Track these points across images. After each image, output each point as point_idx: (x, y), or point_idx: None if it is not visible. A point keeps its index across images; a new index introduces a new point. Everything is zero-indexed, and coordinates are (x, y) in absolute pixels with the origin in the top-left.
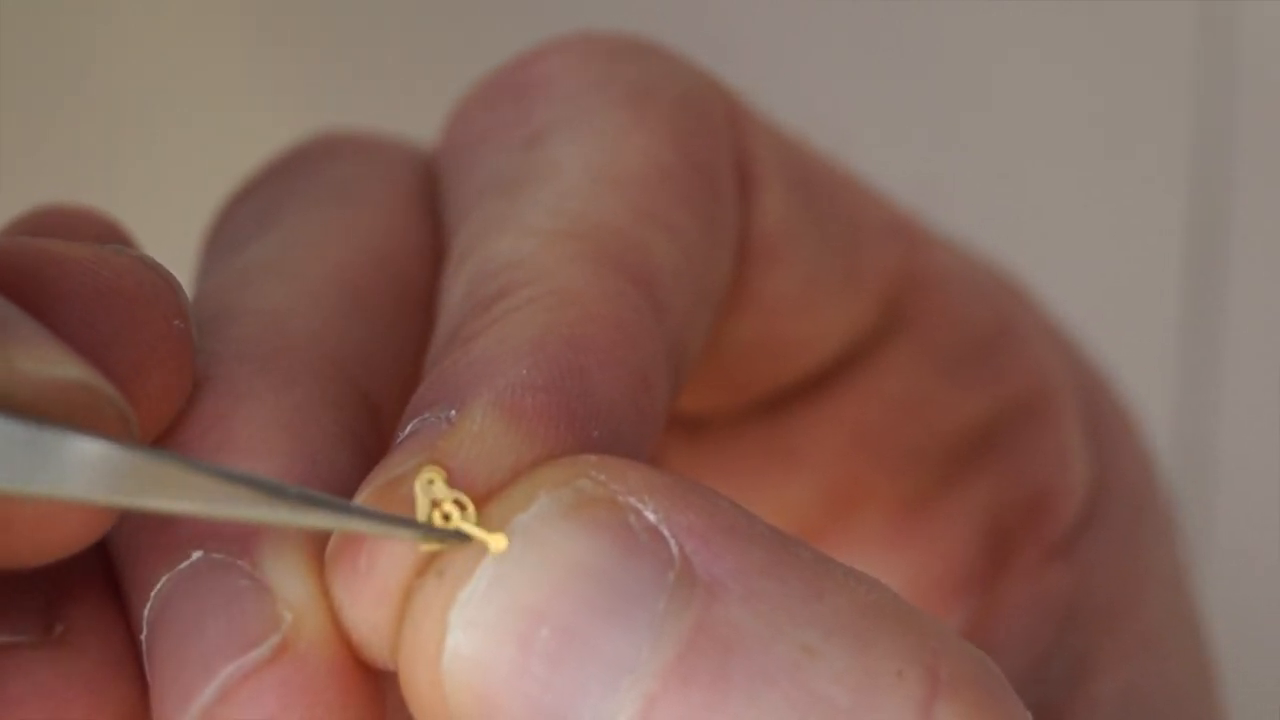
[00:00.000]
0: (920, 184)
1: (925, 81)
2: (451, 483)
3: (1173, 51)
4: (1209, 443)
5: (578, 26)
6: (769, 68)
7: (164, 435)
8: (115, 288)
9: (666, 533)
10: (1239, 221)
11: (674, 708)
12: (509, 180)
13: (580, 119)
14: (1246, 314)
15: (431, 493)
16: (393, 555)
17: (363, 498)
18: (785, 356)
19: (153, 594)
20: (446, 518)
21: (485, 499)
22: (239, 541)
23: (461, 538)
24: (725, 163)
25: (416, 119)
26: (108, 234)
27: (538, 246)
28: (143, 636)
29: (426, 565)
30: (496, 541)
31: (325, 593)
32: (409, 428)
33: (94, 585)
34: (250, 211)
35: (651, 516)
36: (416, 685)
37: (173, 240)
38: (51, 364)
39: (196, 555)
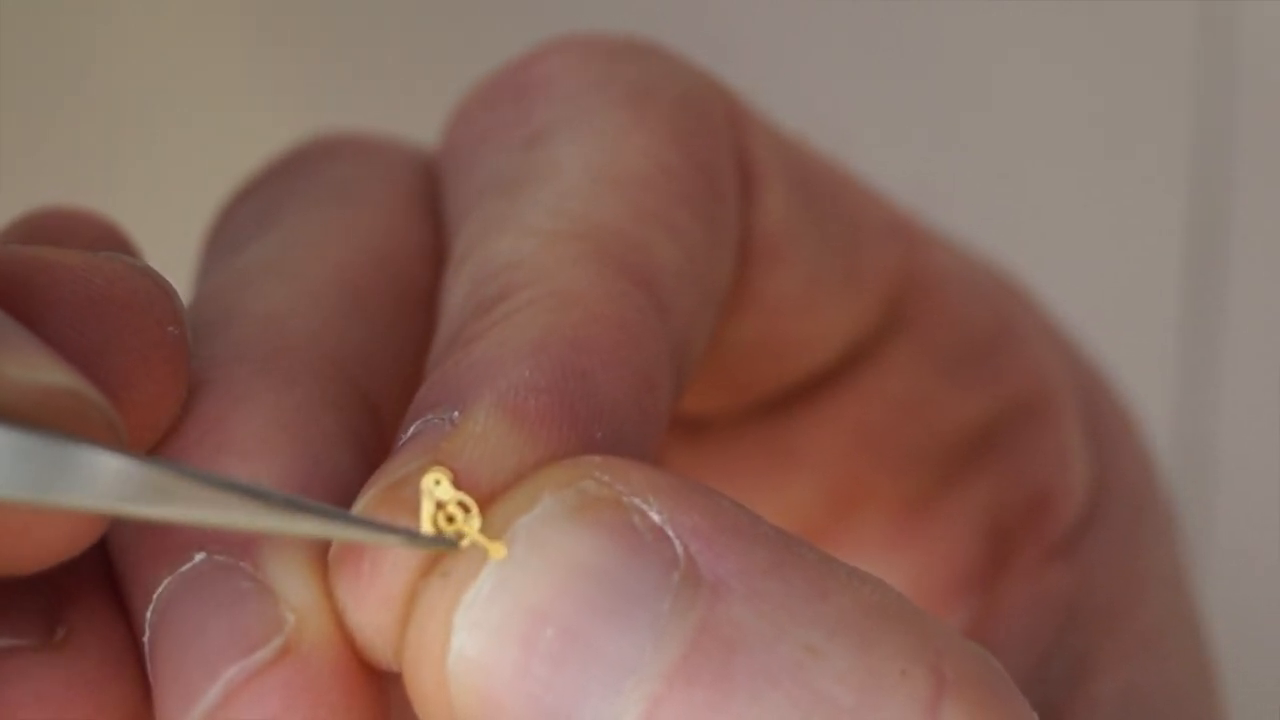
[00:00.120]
0: (920, 184)
1: (925, 81)
2: (455, 484)
3: (1173, 51)
4: (1209, 443)
5: (578, 27)
6: (769, 68)
7: (163, 437)
8: (107, 295)
9: (671, 533)
10: (1239, 221)
11: (678, 708)
12: (509, 180)
13: (580, 119)
14: (1246, 314)
15: (436, 494)
16: (396, 557)
17: (366, 499)
18: (787, 357)
19: (155, 596)
20: (450, 520)
21: (489, 500)
22: (241, 543)
23: (451, 544)
24: (726, 163)
25: (416, 119)
26: (106, 236)
27: (538, 247)
28: (145, 639)
29: (431, 567)
30: (495, 550)
31: (328, 594)
32: (411, 429)
33: (96, 588)
34: (250, 212)
35: (656, 517)
36: (421, 687)
37: (172, 241)
38: (38, 371)
39: (199, 557)
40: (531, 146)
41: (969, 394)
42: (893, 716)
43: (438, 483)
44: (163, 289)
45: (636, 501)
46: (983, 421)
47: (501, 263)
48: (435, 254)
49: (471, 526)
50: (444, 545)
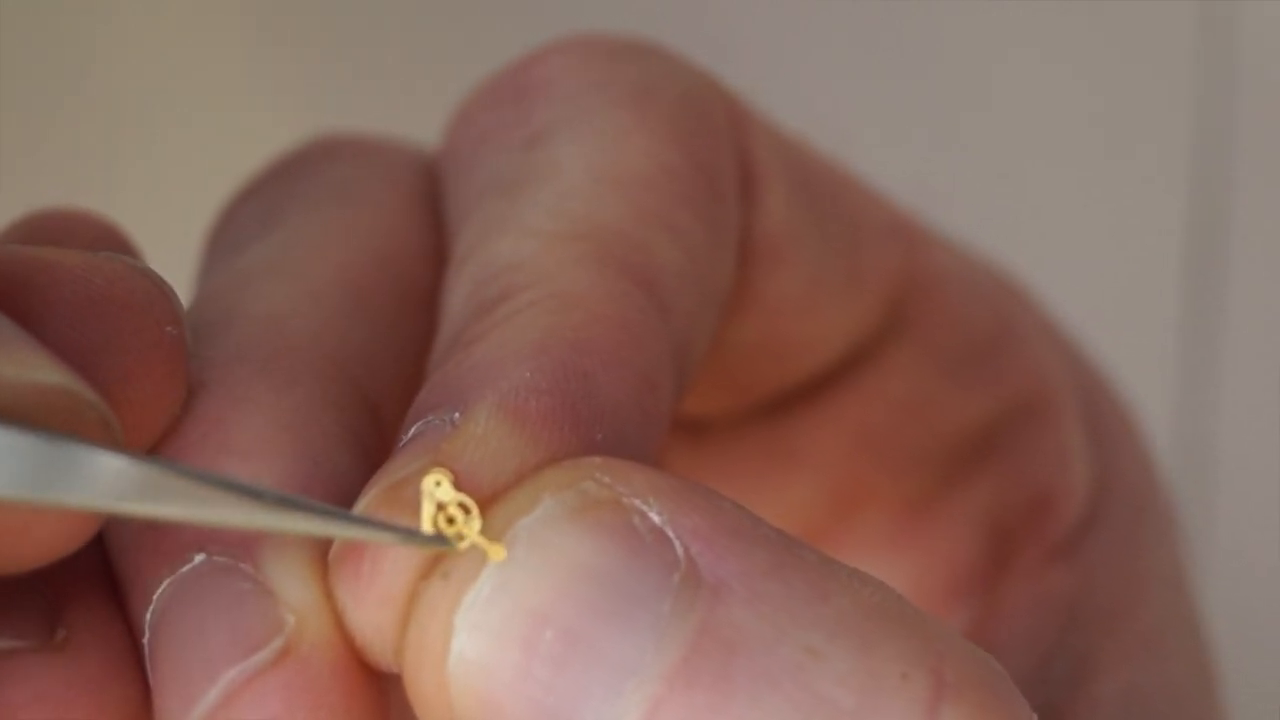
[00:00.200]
0: (920, 184)
1: (925, 81)
2: (456, 486)
3: (1173, 51)
4: (1209, 443)
5: (578, 27)
6: (769, 68)
7: (164, 438)
8: (106, 295)
9: (671, 535)
10: (1239, 221)
11: (678, 710)
12: (510, 181)
13: (581, 119)
14: (1246, 314)
15: (437, 496)
16: (397, 558)
17: (367, 500)
18: (788, 358)
19: (155, 597)
20: (451, 521)
21: (489, 502)
22: (241, 544)
23: (449, 542)
24: (727, 163)
25: (417, 120)
26: (106, 237)
27: (539, 248)
28: (145, 640)
29: (431, 568)
30: (496, 552)
31: (328, 595)
32: (412, 431)
33: (95, 589)
34: (251, 213)
35: (656, 519)
36: (421, 688)
37: (172, 241)
38: (32, 369)
39: (199, 558)
40: (532, 147)
41: (970, 394)
42: (893, 719)
43: (438, 484)
44: (162, 289)
45: (637, 503)
46: (984, 422)
47: (502, 264)
48: (436, 255)
49: (472, 528)
50: (442, 543)
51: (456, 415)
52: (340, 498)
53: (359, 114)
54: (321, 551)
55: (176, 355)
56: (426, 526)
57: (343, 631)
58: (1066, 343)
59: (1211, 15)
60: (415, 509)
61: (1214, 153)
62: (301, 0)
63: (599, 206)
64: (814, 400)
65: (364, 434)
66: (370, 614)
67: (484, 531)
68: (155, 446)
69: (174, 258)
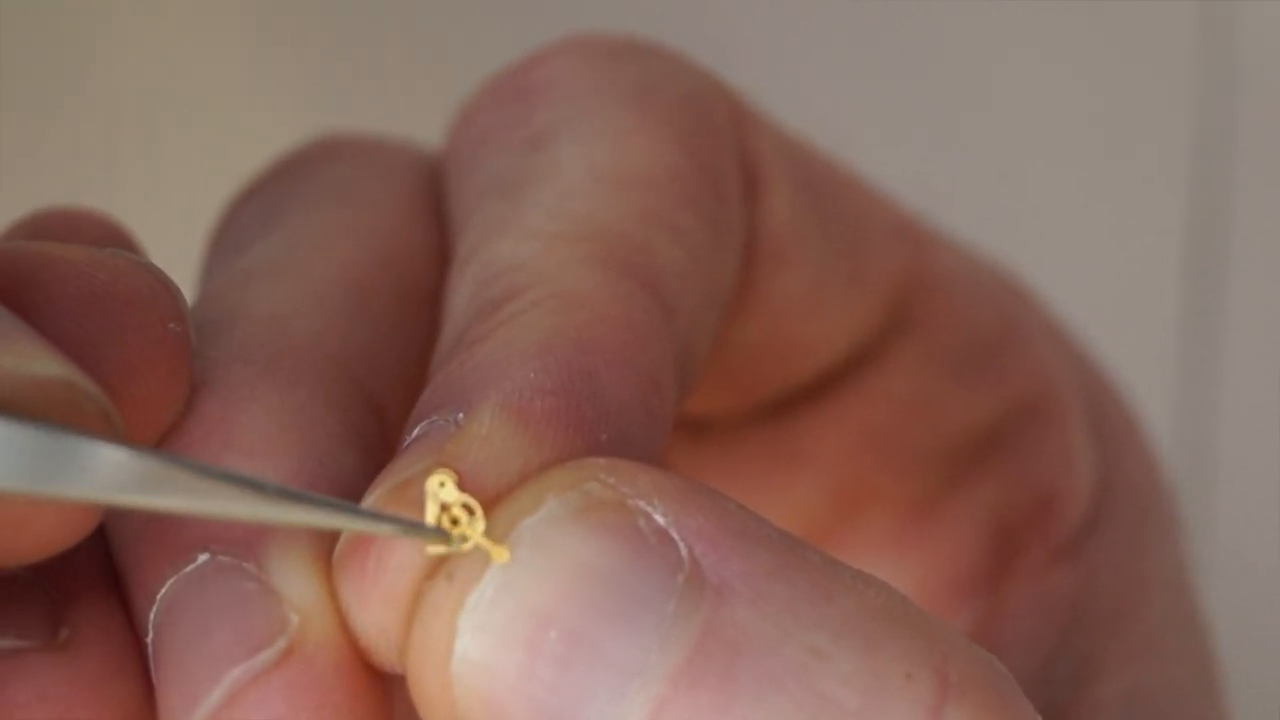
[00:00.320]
0: (920, 184)
1: (925, 81)
2: (460, 486)
3: (1173, 51)
4: (1209, 443)
5: (578, 27)
6: (769, 68)
7: (167, 437)
8: (109, 290)
9: (675, 535)
10: (1239, 221)
11: (682, 711)
12: (512, 182)
13: (583, 120)
14: (1246, 314)
15: (441, 496)
16: (401, 558)
17: (371, 500)
18: (791, 358)
19: (158, 597)
20: (455, 522)
21: (493, 502)
22: (245, 543)
23: (446, 535)
24: (730, 164)
25: (418, 121)
26: (109, 236)
27: (541, 249)
28: (148, 639)
29: (436, 568)
30: (499, 552)
31: (332, 595)
32: (416, 431)
33: (99, 588)
34: (253, 213)
35: (660, 519)
36: (425, 689)
37: (173, 241)
38: (32, 361)
39: (202, 557)
40: (534, 148)
41: (974, 395)
42: (897, 719)
43: (442, 484)
44: (165, 286)
45: (641, 504)
46: (988, 423)
47: (505, 265)
48: (438, 255)
49: (476, 529)
50: (445, 536)
51: (460, 415)
52: (344, 497)
53: (359, 114)
54: (325, 551)
55: (180, 352)
56: None
57: (347, 631)
58: (1071, 344)
59: (1211, 15)
60: (419, 509)
61: (1214, 153)
62: (301, 0)
63: (601, 207)
64: (817, 401)
65: (368, 434)
66: (374, 614)
67: (488, 532)
68: (158, 444)
69: (175, 258)
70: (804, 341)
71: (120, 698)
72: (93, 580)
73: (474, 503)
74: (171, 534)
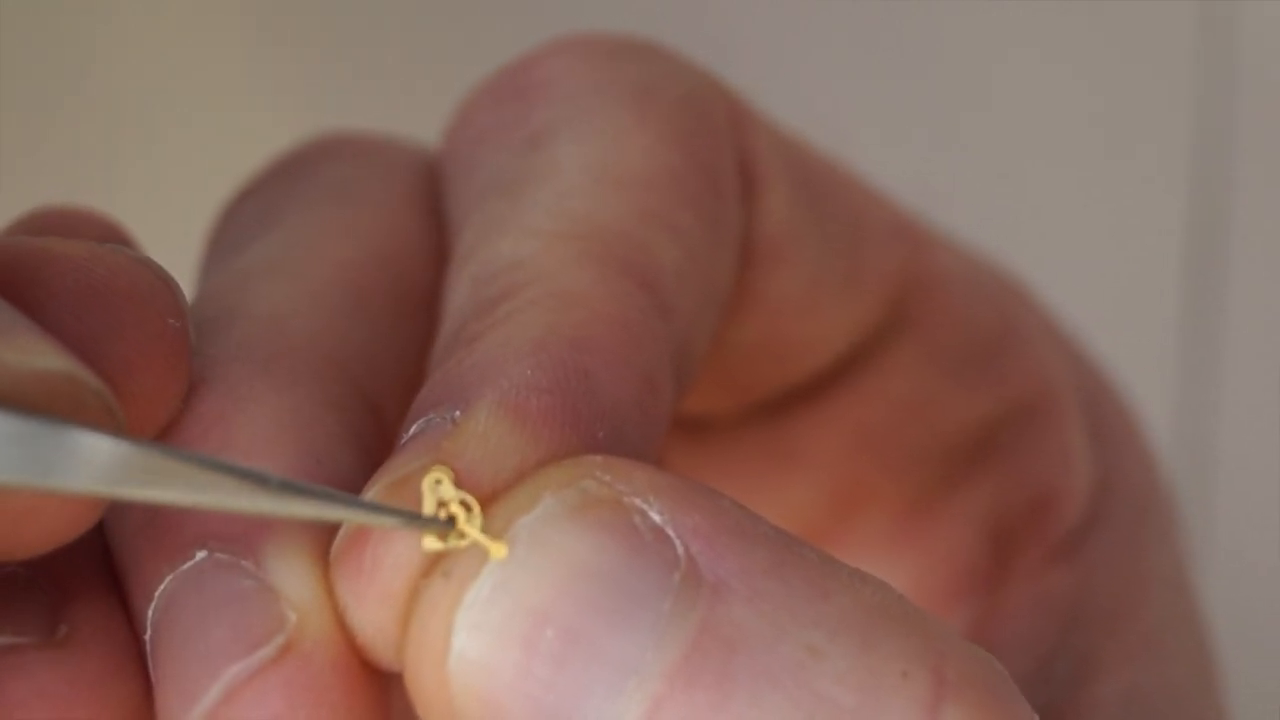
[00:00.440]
0: (920, 184)
1: (925, 81)
2: (457, 484)
3: (1173, 51)
4: (1209, 443)
5: (578, 27)
6: (769, 68)
7: (165, 435)
8: (109, 285)
9: (672, 533)
10: (1239, 221)
11: (679, 708)
12: (510, 181)
13: (581, 119)
14: (1246, 314)
15: (438, 494)
16: (398, 556)
17: (369, 496)
18: (789, 358)
19: (157, 594)
20: (452, 519)
21: (490, 500)
22: (243, 541)
23: (447, 525)
24: (728, 163)
25: (417, 120)
26: (108, 235)
27: (540, 248)
28: (146, 637)
29: (432, 566)
30: (496, 550)
31: (330, 592)
32: (413, 429)
33: (97, 586)
34: (251, 212)
35: (657, 517)
36: (422, 686)
37: (173, 240)
38: (34, 355)
39: (200, 555)
40: (533, 147)
41: (972, 395)
42: (893, 718)
43: (439, 482)
44: (165, 282)
45: (637, 502)
46: (985, 422)
47: (503, 263)
48: (436, 254)
49: (473, 526)
50: (441, 525)
51: (457, 413)
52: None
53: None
54: (323, 549)
55: (179, 348)
56: None
57: (344, 629)
58: (1069, 343)
59: (1211, 15)
60: (416, 506)
61: (1214, 153)
62: (301, 0)
63: (599, 206)
64: (815, 400)
65: (365, 433)
66: (371, 612)
67: (485, 529)
68: (156, 440)
69: (174, 257)
70: (801, 341)
71: (118, 695)
72: (91, 578)
73: (471, 500)
74: (169, 532)
